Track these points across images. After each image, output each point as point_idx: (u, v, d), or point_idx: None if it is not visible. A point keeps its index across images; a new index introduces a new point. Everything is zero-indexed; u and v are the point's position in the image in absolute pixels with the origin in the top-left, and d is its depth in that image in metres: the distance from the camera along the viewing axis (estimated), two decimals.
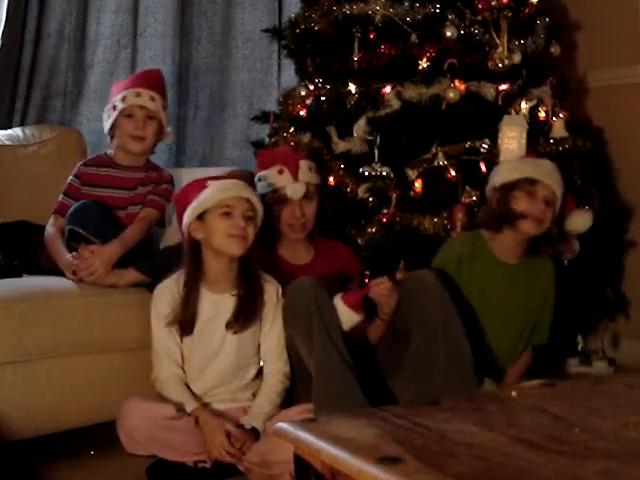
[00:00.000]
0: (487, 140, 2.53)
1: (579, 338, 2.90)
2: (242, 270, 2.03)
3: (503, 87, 2.63)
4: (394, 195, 2.47)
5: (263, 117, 3.05)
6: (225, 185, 2.01)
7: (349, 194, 2.56)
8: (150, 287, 2.09)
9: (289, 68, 3.29)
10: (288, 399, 2.03)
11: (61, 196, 2.39)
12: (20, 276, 2.22)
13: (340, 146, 2.65)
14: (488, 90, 2.61)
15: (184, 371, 2.01)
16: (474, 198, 2.43)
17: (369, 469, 0.98)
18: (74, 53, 3.11)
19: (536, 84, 2.75)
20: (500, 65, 2.63)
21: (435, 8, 2.67)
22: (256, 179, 2.34)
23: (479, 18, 2.66)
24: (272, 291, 2.06)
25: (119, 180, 2.41)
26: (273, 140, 2.89)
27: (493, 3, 2.62)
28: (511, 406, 1.32)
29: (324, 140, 2.69)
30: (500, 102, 2.61)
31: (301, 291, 1.98)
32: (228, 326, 1.99)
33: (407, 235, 2.43)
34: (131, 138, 2.41)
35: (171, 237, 2.51)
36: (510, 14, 2.66)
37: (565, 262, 2.54)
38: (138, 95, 2.41)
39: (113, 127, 2.45)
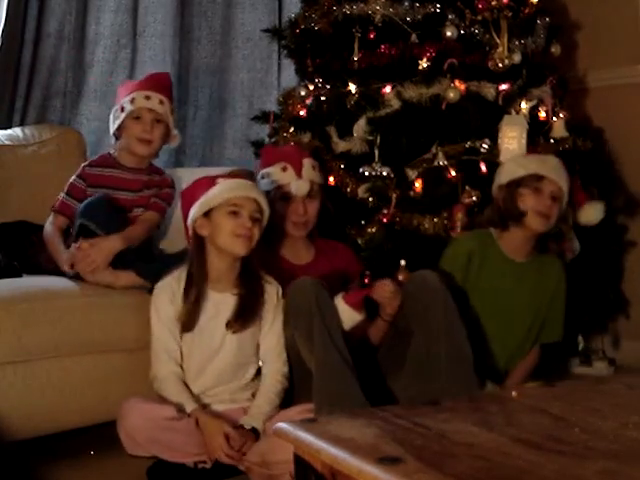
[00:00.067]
0: (487, 140, 2.53)
1: (580, 338, 2.90)
2: (244, 270, 2.03)
3: (503, 87, 2.63)
4: (394, 195, 2.47)
5: (263, 117, 3.05)
6: (235, 184, 2.01)
7: (349, 194, 2.56)
8: (150, 290, 2.08)
9: (289, 68, 3.29)
10: (288, 399, 2.03)
11: (63, 195, 2.38)
12: (20, 276, 2.22)
13: (340, 146, 2.65)
14: (488, 90, 2.62)
15: (183, 370, 2.01)
16: (474, 198, 2.43)
17: (369, 469, 0.98)
18: (74, 53, 3.11)
19: (536, 84, 2.75)
20: (500, 65, 2.63)
21: (435, 8, 2.67)
22: (259, 176, 2.34)
23: (479, 18, 2.66)
24: (272, 292, 2.06)
25: (124, 182, 2.41)
26: (273, 140, 2.89)
27: (493, 3, 2.62)
28: (511, 406, 1.32)
29: (324, 140, 2.69)
30: (500, 102, 2.61)
31: (302, 291, 1.98)
32: (228, 325, 1.99)
33: (407, 235, 2.43)
34: (138, 141, 2.41)
35: (172, 237, 2.51)
36: (510, 14, 2.66)
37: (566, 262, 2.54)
38: (147, 98, 2.41)
39: (119, 128, 2.44)
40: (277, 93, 3.28)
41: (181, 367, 2.01)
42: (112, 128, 2.47)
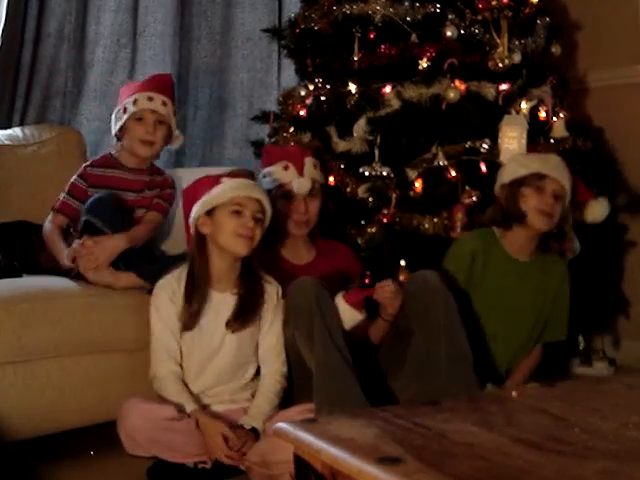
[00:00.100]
0: (487, 140, 2.53)
1: (580, 338, 2.90)
2: (244, 270, 2.04)
3: (503, 87, 2.63)
4: (394, 195, 2.47)
5: (263, 117, 3.05)
6: (239, 184, 2.01)
7: (349, 194, 2.56)
8: (150, 291, 2.08)
9: (289, 68, 3.29)
10: (287, 399, 2.03)
11: (64, 195, 2.38)
12: (20, 276, 2.22)
13: (340, 146, 2.65)
14: (488, 90, 2.62)
15: (182, 369, 2.01)
16: (474, 198, 2.43)
17: (369, 469, 0.98)
18: (74, 53, 3.11)
19: (536, 84, 2.75)
20: (500, 65, 2.63)
21: (435, 8, 2.67)
22: (261, 175, 2.34)
23: (479, 18, 2.66)
24: (272, 292, 2.06)
25: (126, 182, 2.41)
26: (273, 140, 2.90)
27: (493, 3, 2.62)
28: (511, 406, 1.32)
29: (324, 140, 2.69)
30: (500, 102, 2.61)
31: (302, 291, 1.98)
32: (228, 325, 2.00)
33: (407, 235, 2.43)
34: (140, 142, 2.40)
35: (175, 238, 2.51)
36: (510, 14, 2.66)
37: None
38: (150, 99, 2.41)
39: (122, 130, 2.44)
40: (277, 93, 3.28)
41: (181, 366, 2.01)
42: (114, 129, 2.47)
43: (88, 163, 2.46)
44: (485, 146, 2.52)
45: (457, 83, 2.57)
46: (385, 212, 2.46)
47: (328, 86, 2.78)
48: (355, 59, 2.71)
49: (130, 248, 2.20)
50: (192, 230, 2.03)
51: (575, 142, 2.71)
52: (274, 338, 2.05)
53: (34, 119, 2.99)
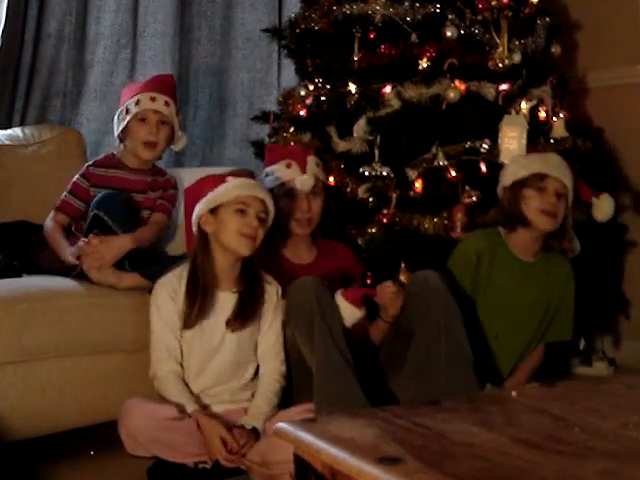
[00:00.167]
0: (487, 140, 2.54)
1: (580, 338, 2.90)
2: (245, 269, 2.04)
3: (503, 87, 2.63)
4: (394, 195, 2.47)
5: (263, 117, 3.05)
6: (244, 183, 2.01)
7: (349, 194, 2.57)
8: (150, 290, 2.08)
9: (289, 68, 3.29)
10: (287, 399, 2.03)
11: (66, 194, 2.38)
12: (20, 276, 2.22)
13: (340, 146, 2.65)
14: (488, 90, 2.62)
15: (182, 368, 2.00)
16: (474, 198, 2.43)
17: (369, 469, 0.98)
18: (74, 53, 3.11)
19: (536, 84, 2.75)
20: (500, 65, 2.63)
21: (435, 8, 2.67)
22: (263, 174, 2.34)
23: (479, 18, 2.67)
24: (272, 291, 2.06)
25: (128, 182, 2.41)
26: (273, 140, 2.89)
27: (493, 3, 2.62)
28: (511, 406, 1.32)
29: (324, 140, 2.69)
30: (500, 102, 2.61)
31: (303, 290, 1.98)
32: (228, 324, 1.99)
33: (407, 235, 2.43)
34: (143, 145, 2.40)
35: (179, 239, 2.51)
36: (510, 14, 2.66)
37: None
38: (153, 100, 2.41)
39: (124, 131, 2.43)
40: (277, 93, 3.29)
41: (181, 366, 2.00)
42: (116, 130, 2.46)
43: (91, 163, 2.46)
44: (485, 146, 2.53)
45: (457, 83, 2.57)
46: (385, 212, 2.46)
47: (328, 86, 2.79)
48: (355, 59, 2.71)
49: (136, 249, 2.20)
50: (194, 228, 2.03)
51: (575, 142, 2.71)
52: (273, 337, 2.05)
53: (34, 119, 2.99)
